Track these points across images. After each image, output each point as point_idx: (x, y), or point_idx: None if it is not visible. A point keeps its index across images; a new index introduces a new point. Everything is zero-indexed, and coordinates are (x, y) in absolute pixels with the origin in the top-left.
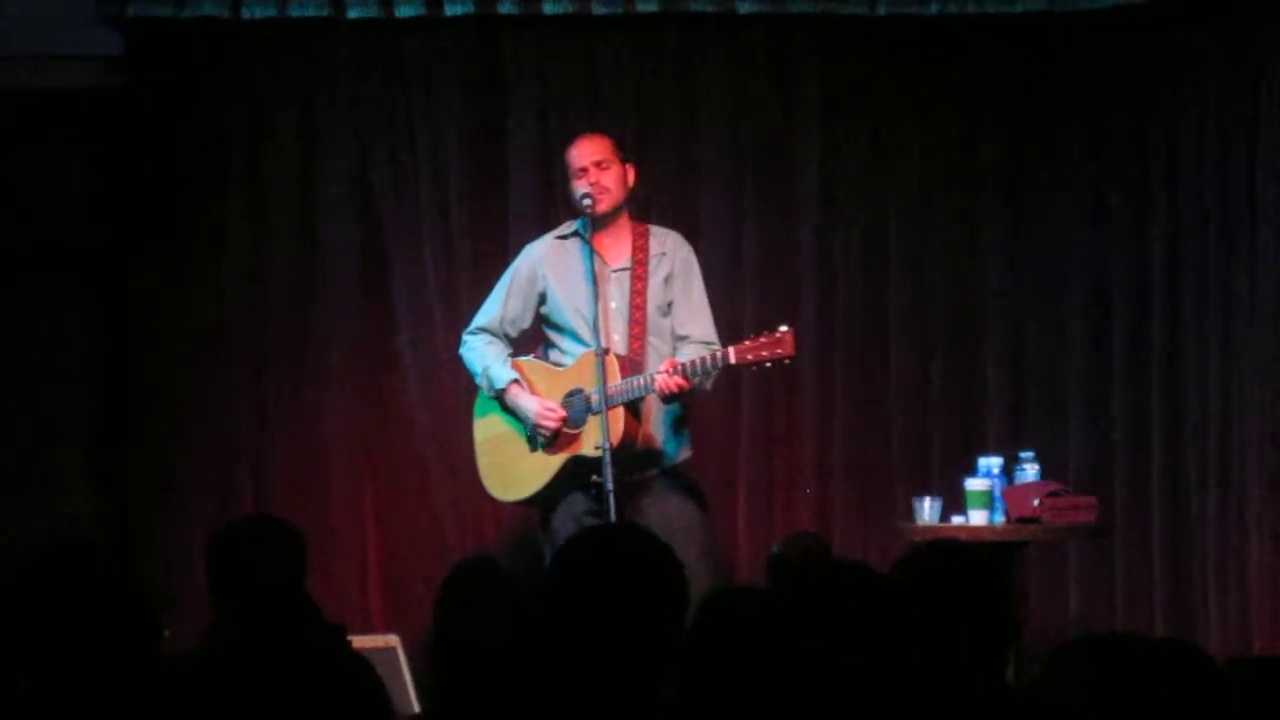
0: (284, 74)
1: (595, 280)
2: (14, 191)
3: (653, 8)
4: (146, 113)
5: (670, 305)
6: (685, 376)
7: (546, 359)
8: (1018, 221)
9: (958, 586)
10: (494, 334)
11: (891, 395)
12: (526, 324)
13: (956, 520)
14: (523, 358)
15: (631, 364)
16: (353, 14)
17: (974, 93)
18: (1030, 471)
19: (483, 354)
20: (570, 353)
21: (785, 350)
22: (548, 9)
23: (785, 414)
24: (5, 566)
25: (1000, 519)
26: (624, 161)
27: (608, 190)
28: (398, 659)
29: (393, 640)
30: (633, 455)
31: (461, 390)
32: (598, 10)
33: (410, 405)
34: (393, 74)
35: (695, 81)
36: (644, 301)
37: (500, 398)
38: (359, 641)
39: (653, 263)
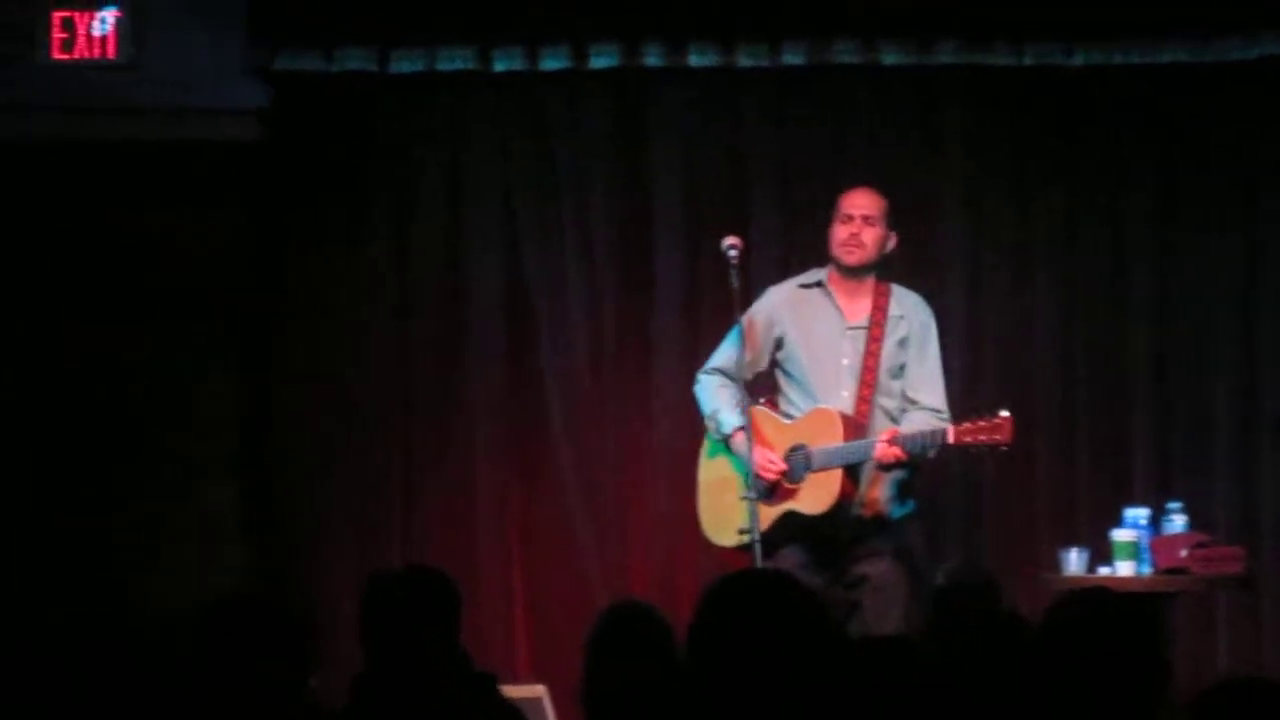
0: (430, 126)
1: (744, 334)
2: (162, 243)
3: (798, 60)
4: (294, 165)
5: (902, 368)
6: (904, 448)
7: (777, 406)
8: (1165, 270)
9: (1109, 635)
10: (729, 376)
11: (1038, 446)
12: (762, 367)
13: (1103, 571)
14: (756, 405)
15: (856, 425)
16: (499, 67)
17: (1120, 143)
18: (1178, 522)
19: (714, 396)
20: (798, 404)
21: (1003, 437)
22: (693, 61)
23: (934, 464)
24: (166, 618)
25: (1148, 570)
26: (890, 228)
27: (863, 246)
28: (544, 709)
29: (539, 690)
30: (849, 516)
31: (606, 440)
32: (743, 63)
33: (556, 455)
34: (538, 126)
35: (840, 132)
36: (876, 363)
37: (726, 443)
38: (506, 691)
39: (890, 324)
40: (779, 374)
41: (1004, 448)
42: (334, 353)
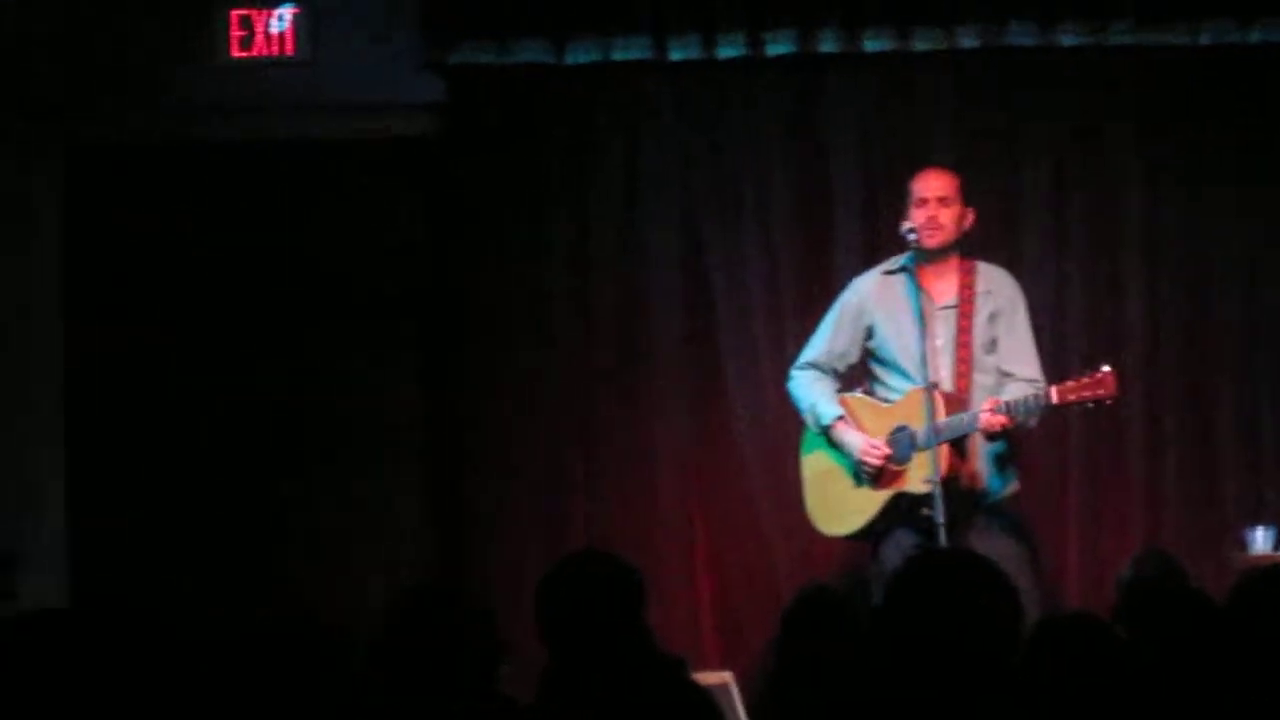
0: (607, 117)
1: (923, 317)
2: (343, 239)
3: (973, 42)
4: (471, 158)
5: (995, 342)
6: (1008, 415)
7: (873, 394)
8: None
9: None
10: (821, 369)
11: (1222, 424)
12: (854, 359)
13: None
14: (849, 394)
15: (957, 401)
16: (675, 55)
17: None
18: None
19: (810, 389)
20: (896, 389)
21: (1107, 391)
22: (868, 46)
23: (1114, 446)
24: (354, 612)
25: None
26: (966, 203)
27: (942, 227)
28: (732, 696)
29: (727, 677)
30: (956, 492)
31: (789, 428)
32: (919, 46)
33: (739, 443)
34: (715, 114)
35: (1017, 114)
36: (970, 340)
37: (826, 434)
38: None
39: (979, 300)
40: (872, 363)
41: (1108, 402)
42: (515, 345)
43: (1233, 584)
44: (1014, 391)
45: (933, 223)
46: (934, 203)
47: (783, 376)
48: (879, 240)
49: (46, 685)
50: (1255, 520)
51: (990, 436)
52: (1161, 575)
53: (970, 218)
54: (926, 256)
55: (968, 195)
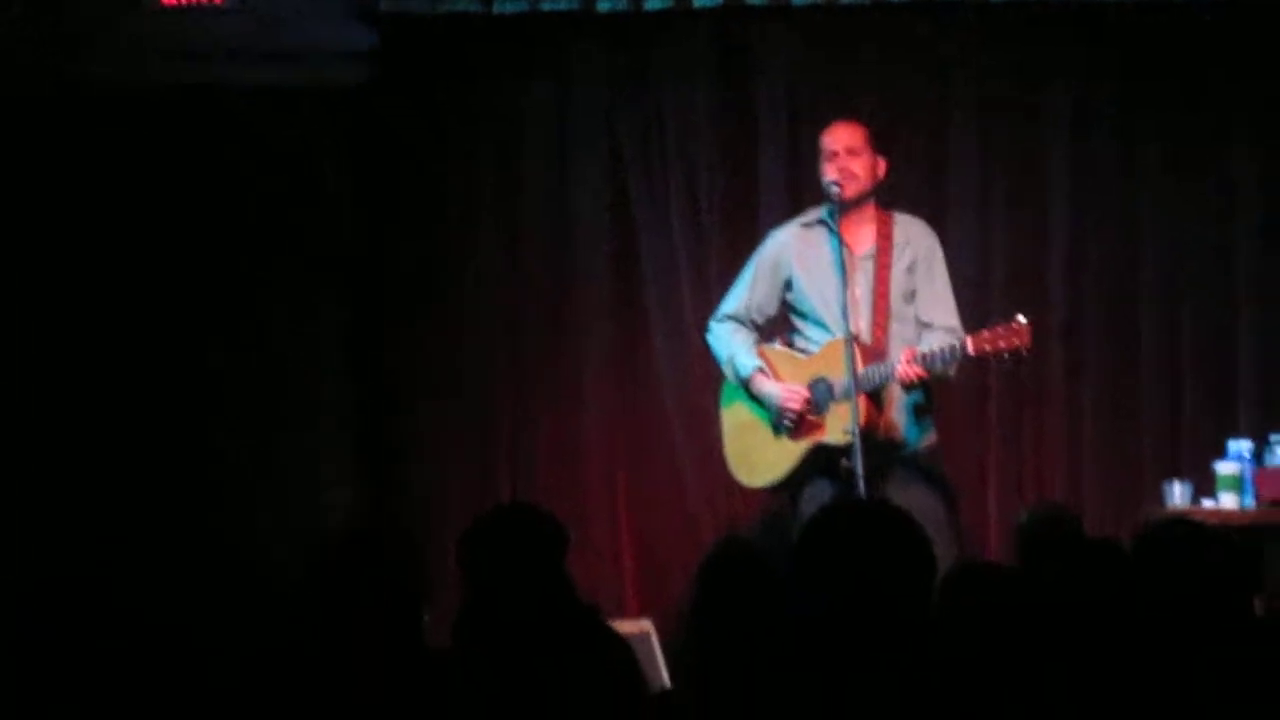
0: (535, 67)
1: (844, 268)
2: (270, 187)
3: None
4: (400, 108)
5: (914, 293)
6: (924, 366)
7: (792, 346)
8: (1272, 204)
9: (1194, 565)
10: (741, 321)
11: (1141, 380)
12: (773, 311)
13: (1207, 504)
14: (768, 345)
15: (874, 352)
16: (602, 7)
17: (1227, 78)
18: None
19: (729, 341)
20: (815, 340)
21: (1022, 341)
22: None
23: (1035, 401)
24: (274, 558)
25: (1251, 502)
26: (876, 152)
27: (855, 177)
28: (651, 643)
29: (646, 625)
30: (874, 443)
31: (712, 379)
32: None
33: (662, 394)
34: (642, 67)
35: (944, 66)
36: (887, 290)
37: (745, 385)
38: (614, 626)
39: (896, 250)
40: (792, 315)
41: (1024, 353)
42: (443, 292)
43: (1138, 533)
44: (931, 341)
45: (845, 173)
46: (843, 154)
47: (703, 325)
48: (804, 192)
49: None
50: (1173, 474)
51: (907, 387)
52: (1054, 518)
53: (883, 167)
54: (844, 208)
55: (892, 146)
